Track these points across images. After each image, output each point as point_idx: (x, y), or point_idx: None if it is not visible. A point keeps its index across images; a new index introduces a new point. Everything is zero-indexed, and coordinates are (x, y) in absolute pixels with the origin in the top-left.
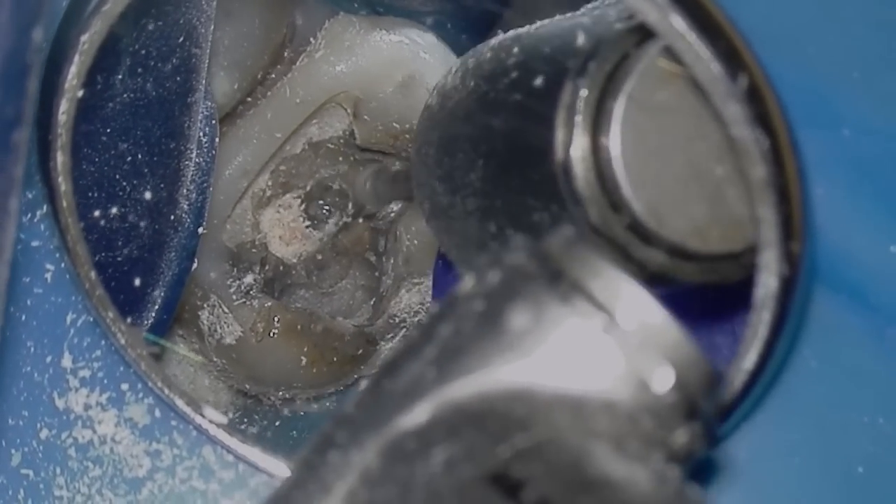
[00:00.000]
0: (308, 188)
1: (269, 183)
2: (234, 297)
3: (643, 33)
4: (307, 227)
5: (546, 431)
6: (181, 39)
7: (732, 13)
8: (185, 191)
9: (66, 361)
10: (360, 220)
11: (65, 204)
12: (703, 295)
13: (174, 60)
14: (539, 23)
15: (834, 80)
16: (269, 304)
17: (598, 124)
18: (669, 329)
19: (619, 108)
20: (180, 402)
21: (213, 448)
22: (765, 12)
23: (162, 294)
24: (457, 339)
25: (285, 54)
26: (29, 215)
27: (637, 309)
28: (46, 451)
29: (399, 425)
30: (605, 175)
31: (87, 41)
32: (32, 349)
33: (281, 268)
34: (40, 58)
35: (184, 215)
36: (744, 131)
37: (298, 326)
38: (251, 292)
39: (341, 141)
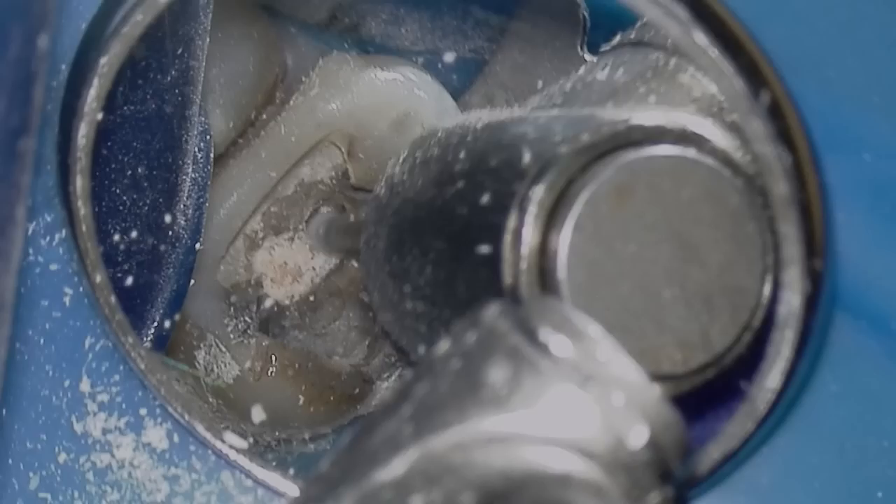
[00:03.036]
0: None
1: (261, 224)
2: (232, 335)
3: (588, 155)
4: (300, 268)
5: (527, 476)
6: (180, 51)
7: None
8: (182, 206)
9: (85, 385)
10: (354, 263)
11: (84, 228)
12: None
13: (173, 72)
14: (483, 119)
15: (855, 104)
16: (267, 343)
17: (544, 253)
18: (646, 389)
19: (565, 239)
20: (200, 427)
21: (231, 473)
22: (785, 36)
23: (160, 311)
24: (434, 397)
25: (277, 94)
26: (48, 238)
27: (615, 367)
28: (64, 476)
29: (376, 478)
30: None
31: (107, 64)
32: (50, 373)
33: (275, 309)
34: (46, 65)
35: (181, 231)
36: (766, 148)
37: (296, 365)
38: (248, 331)
39: (333, 181)
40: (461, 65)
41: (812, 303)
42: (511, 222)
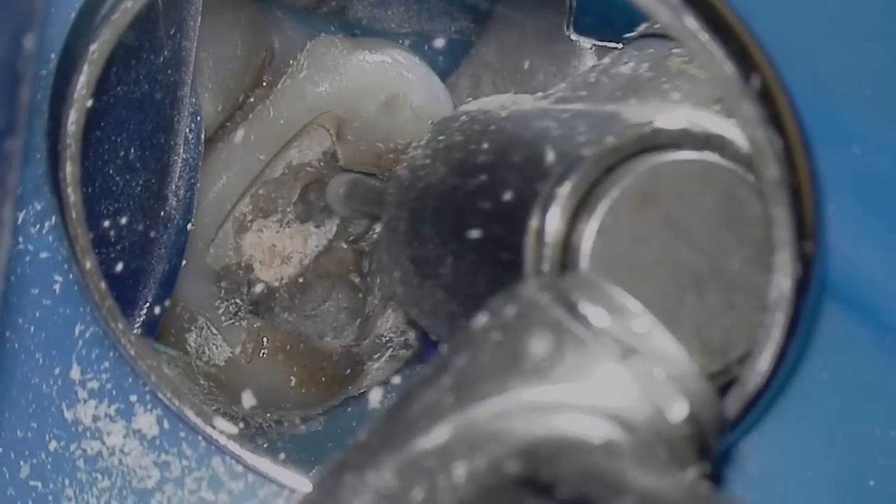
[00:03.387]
0: (289, 210)
1: (250, 207)
2: (223, 318)
3: (612, 159)
4: (288, 250)
5: (571, 441)
6: (172, 32)
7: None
8: (173, 187)
9: (75, 373)
10: (343, 245)
11: (74, 214)
12: None
13: (165, 53)
14: (507, 107)
15: (844, 97)
16: (258, 325)
17: (566, 255)
18: (685, 365)
19: (587, 242)
20: (190, 413)
21: (222, 459)
22: (775, 29)
23: (152, 292)
24: (474, 367)
25: (265, 77)
26: (38, 226)
27: (657, 342)
28: (55, 463)
29: (417, 446)
30: None
31: (97, 51)
32: (41, 361)
33: (265, 291)
34: (32, 66)
35: (173, 212)
36: (757, 132)
37: (287, 347)
38: (239, 313)
39: (321, 163)
40: (448, 46)
41: (802, 286)
42: (534, 222)
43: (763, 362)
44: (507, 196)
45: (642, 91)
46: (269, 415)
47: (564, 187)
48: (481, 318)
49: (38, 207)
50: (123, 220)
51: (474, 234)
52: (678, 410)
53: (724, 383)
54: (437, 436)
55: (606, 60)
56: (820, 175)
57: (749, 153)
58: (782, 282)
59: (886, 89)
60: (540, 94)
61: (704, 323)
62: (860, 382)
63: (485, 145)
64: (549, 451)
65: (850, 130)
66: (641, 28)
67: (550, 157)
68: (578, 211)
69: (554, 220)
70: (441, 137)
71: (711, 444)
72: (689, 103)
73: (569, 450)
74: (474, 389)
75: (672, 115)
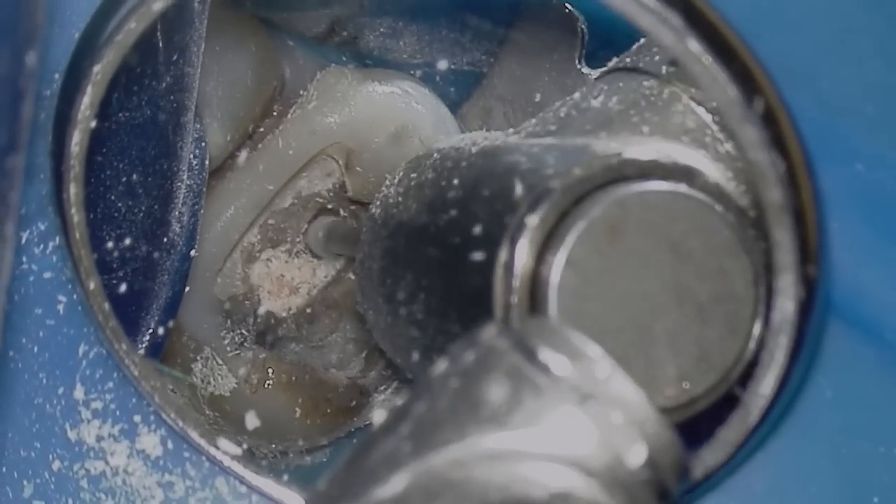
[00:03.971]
0: (298, 241)
1: (258, 237)
2: (229, 348)
3: (580, 189)
4: (296, 281)
5: (526, 495)
6: (175, 58)
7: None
8: (177, 212)
9: (79, 393)
10: (351, 276)
11: (78, 235)
12: None
13: (168, 79)
14: (479, 143)
15: (847, 114)
16: (263, 355)
17: (536, 289)
18: (644, 409)
19: (556, 274)
20: (194, 434)
21: (226, 479)
22: (778, 46)
23: (155, 318)
24: (432, 415)
25: (275, 107)
26: (41, 246)
27: (615, 386)
28: (58, 483)
29: (375, 496)
30: None
31: (100, 72)
32: (44, 380)
33: (272, 321)
34: (34, 83)
35: (176, 238)
36: (760, 155)
37: (293, 378)
38: (245, 344)
39: (330, 194)
40: (459, 77)
41: (806, 309)
42: (503, 255)
43: (766, 385)
44: (477, 230)
45: (612, 124)
46: (273, 445)
47: (532, 219)
48: (441, 365)
49: (42, 227)
50: (126, 245)
51: (447, 269)
52: (636, 455)
53: (697, 413)
54: (395, 485)
55: (577, 96)
56: (823, 198)
57: (718, 184)
58: (786, 305)
59: (889, 106)
60: (511, 129)
61: (674, 353)
62: (864, 400)
63: (455, 181)
64: (503, 502)
65: (854, 148)
66: (612, 63)
67: (519, 190)
68: (547, 242)
69: (522, 252)
70: (413, 175)
71: (671, 488)
72: (658, 136)
73: (524, 500)
74: (432, 437)
75: (641, 147)
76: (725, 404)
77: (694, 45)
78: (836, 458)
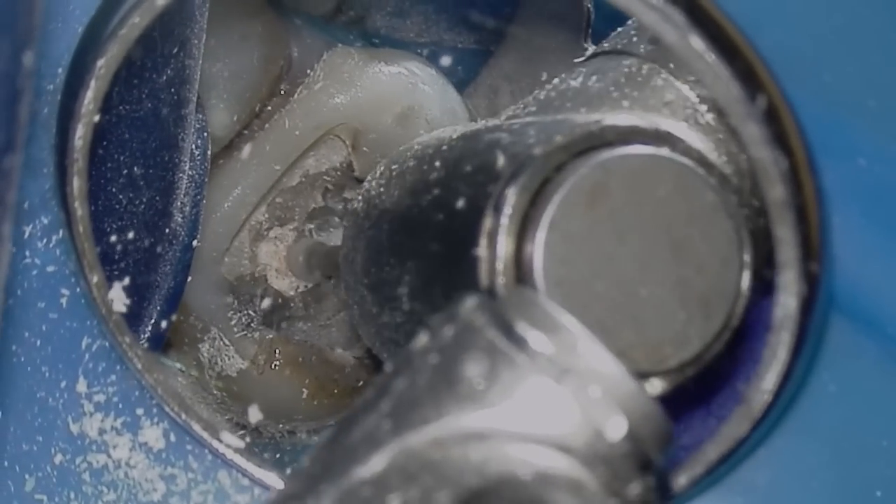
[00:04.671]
0: (305, 219)
1: (266, 215)
2: (236, 329)
3: (562, 156)
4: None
5: (503, 475)
6: (176, 50)
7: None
8: (179, 203)
9: (81, 386)
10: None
11: (81, 228)
12: None
13: (169, 72)
14: (459, 130)
15: (850, 109)
16: (271, 336)
17: (520, 254)
18: (623, 381)
19: (540, 238)
20: (197, 427)
21: (228, 472)
22: (781, 41)
23: (157, 309)
24: (412, 392)
25: (281, 87)
26: (45, 240)
27: (590, 358)
28: (61, 477)
29: (355, 475)
30: None
31: (104, 66)
32: (47, 374)
33: (279, 300)
34: (32, 82)
35: (178, 228)
36: (763, 152)
37: (300, 359)
38: (252, 324)
39: (338, 173)
40: (466, 56)
41: (808, 305)
42: (486, 224)
43: (769, 381)
44: (461, 204)
45: (592, 101)
46: (280, 426)
47: (516, 185)
48: (421, 339)
49: (46, 221)
50: (128, 237)
51: (431, 247)
52: (616, 428)
53: (684, 379)
54: (375, 465)
55: (555, 81)
56: (826, 195)
57: (699, 150)
58: (788, 301)
59: (892, 100)
60: (491, 117)
61: (661, 316)
62: (867, 394)
63: (437, 163)
64: (481, 482)
65: (856, 142)
66: (589, 51)
67: (501, 161)
68: (530, 209)
69: (507, 218)
70: (394, 166)
71: (654, 459)
72: (639, 109)
73: (501, 481)
74: (411, 415)
75: (621, 115)
76: (719, 398)
77: (697, 43)
78: (838, 453)
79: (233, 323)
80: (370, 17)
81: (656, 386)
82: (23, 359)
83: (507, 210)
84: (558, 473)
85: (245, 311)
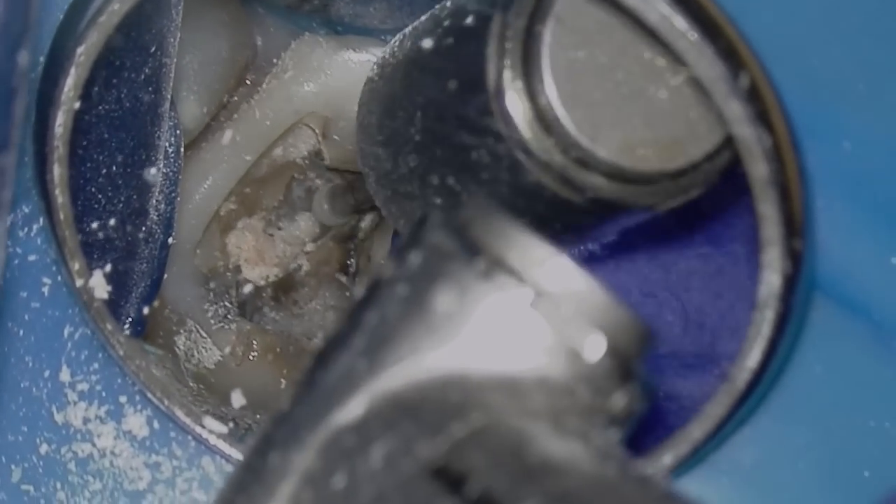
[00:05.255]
0: (274, 208)
1: (235, 206)
2: (213, 321)
3: None
4: (273, 249)
5: (482, 417)
6: (153, 49)
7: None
8: (154, 201)
9: (65, 375)
10: (330, 243)
11: (62, 216)
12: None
13: (146, 70)
14: None
15: (836, 91)
16: (248, 327)
17: (528, 49)
18: (595, 295)
19: (548, 32)
20: (180, 413)
21: (212, 458)
22: (768, 23)
23: (134, 307)
24: (384, 327)
25: (248, 76)
26: (25, 229)
27: (560, 278)
28: (46, 466)
29: (336, 421)
30: (538, 98)
31: (84, 53)
32: (30, 364)
33: (252, 291)
34: (25, 82)
35: (154, 226)
36: (745, 130)
37: (277, 349)
38: (229, 316)
39: (306, 162)
40: None
41: (792, 283)
42: (496, 26)
43: (752, 359)
44: (469, 21)
45: None
46: (258, 416)
47: None
48: (388, 267)
49: (26, 210)
50: (104, 236)
51: (441, 73)
52: (594, 347)
53: (689, 184)
54: (354, 409)
55: None
56: (809, 172)
57: None
58: (772, 279)
59: (880, 83)
60: None
61: (666, 117)
62: (854, 374)
63: (448, 3)
64: (461, 428)
65: (842, 125)
66: None
67: None
68: (537, 6)
69: (514, 16)
70: (409, 28)
71: (635, 366)
72: None
73: (480, 434)
74: (386, 352)
75: None
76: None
77: (679, 22)
78: (825, 433)
79: (209, 315)
80: (334, 5)
81: (655, 194)
82: (6, 349)
83: (515, 8)
84: (539, 408)
85: (221, 303)
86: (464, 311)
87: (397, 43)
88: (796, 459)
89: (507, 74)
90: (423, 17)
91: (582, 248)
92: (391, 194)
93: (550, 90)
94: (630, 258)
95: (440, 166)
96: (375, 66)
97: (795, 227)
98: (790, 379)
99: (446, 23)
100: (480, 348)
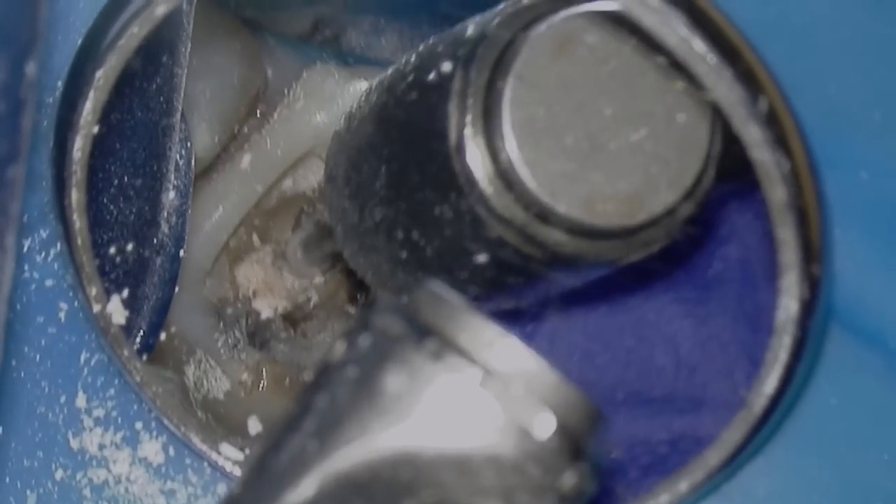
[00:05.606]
0: (283, 241)
1: (245, 237)
2: (223, 351)
3: (530, 15)
4: (283, 280)
5: (433, 494)
6: (165, 58)
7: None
8: (165, 214)
9: (81, 401)
10: (338, 274)
11: (79, 241)
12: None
13: (159, 80)
14: None
15: (854, 121)
16: (258, 357)
17: (489, 106)
18: (545, 374)
19: (508, 88)
20: (196, 440)
21: (228, 485)
22: (786, 52)
23: (147, 320)
24: (335, 409)
25: (259, 106)
26: (43, 254)
27: (510, 358)
28: (62, 493)
29: (288, 502)
30: (498, 154)
31: (103, 77)
32: (46, 389)
33: (260, 321)
34: (34, 92)
35: (165, 239)
36: (764, 154)
37: (287, 379)
38: (238, 346)
39: (315, 193)
40: None
41: (809, 308)
42: (457, 83)
43: (769, 385)
44: (431, 77)
45: None
46: None
47: (484, 44)
48: (339, 349)
49: (44, 235)
50: (119, 249)
51: (403, 126)
52: (544, 425)
53: (651, 238)
54: (305, 489)
55: None
56: (827, 198)
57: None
58: (790, 304)
59: None
60: None
61: (631, 169)
62: (869, 407)
63: (413, 58)
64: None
65: (859, 155)
66: None
67: (470, 30)
68: (499, 66)
69: (476, 73)
70: (374, 81)
71: (585, 444)
72: None
73: (428, 493)
74: (336, 434)
75: None
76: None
77: (699, 45)
78: (839, 465)
79: (219, 345)
80: (345, 36)
81: (619, 249)
82: (22, 374)
83: (476, 65)
84: (490, 485)
85: (231, 333)
86: (414, 391)
87: (364, 96)
88: (809, 491)
89: (469, 131)
90: (388, 71)
91: (568, 293)
92: (358, 247)
93: (511, 146)
94: (622, 302)
95: (405, 220)
96: (343, 119)
97: (813, 252)
98: (805, 410)
99: (410, 77)
100: (431, 428)
